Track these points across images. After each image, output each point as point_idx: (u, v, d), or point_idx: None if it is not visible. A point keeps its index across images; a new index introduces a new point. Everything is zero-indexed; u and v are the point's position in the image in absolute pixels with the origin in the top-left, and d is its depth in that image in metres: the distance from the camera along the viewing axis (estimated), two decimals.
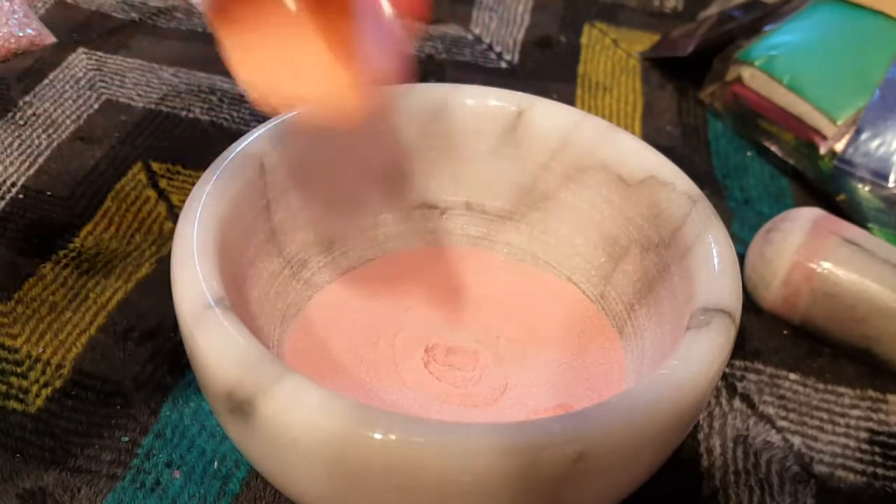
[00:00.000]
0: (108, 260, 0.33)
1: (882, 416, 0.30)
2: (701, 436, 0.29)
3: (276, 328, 0.27)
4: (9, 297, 0.31)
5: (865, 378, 0.31)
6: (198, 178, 0.25)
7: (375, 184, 0.30)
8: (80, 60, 0.44)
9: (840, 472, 0.28)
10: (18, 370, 0.29)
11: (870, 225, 0.36)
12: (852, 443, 0.29)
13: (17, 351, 0.30)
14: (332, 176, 0.29)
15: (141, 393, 0.29)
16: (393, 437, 0.18)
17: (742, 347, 0.32)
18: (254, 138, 0.26)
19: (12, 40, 0.44)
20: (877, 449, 0.29)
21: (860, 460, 0.29)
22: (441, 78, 0.45)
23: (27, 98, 0.41)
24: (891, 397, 0.31)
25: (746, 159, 0.41)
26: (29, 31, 0.44)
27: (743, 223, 0.37)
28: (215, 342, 0.20)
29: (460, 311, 0.30)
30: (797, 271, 0.31)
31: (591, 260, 0.30)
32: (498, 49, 0.48)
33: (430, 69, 0.46)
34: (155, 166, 0.38)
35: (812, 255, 0.31)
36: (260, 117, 0.41)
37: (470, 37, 0.49)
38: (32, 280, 0.32)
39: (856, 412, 0.30)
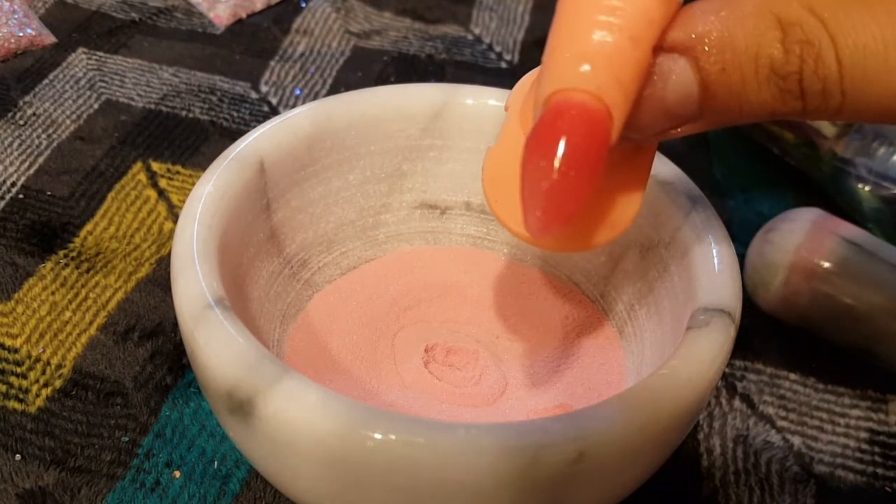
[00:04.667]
0: (108, 260, 0.33)
1: (882, 416, 0.30)
2: (701, 436, 0.29)
3: (276, 328, 0.27)
4: (9, 297, 0.31)
5: (865, 378, 0.31)
6: (198, 178, 0.25)
7: (375, 184, 0.30)
8: (80, 60, 0.44)
9: (840, 472, 0.28)
10: (18, 370, 0.29)
11: (870, 225, 0.36)
12: (852, 443, 0.29)
13: (17, 351, 0.30)
14: (331, 176, 0.29)
15: (141, 393, 0.29)
16: (393, 437, 0.18)
17: (742, 347, 0.32)
18: (254, 138, 0.26)
19: (12, 40, 0.44)
20: (877, 449, 0.29)
21: (860, 460, 0.29)
22: (441, 78, 0.45)
23: (27, 98, 0.41)
24: (891, 397, 0.31)
25: (746, 159, 0.41)
26: (29, 31, 0.44)
27: (743, 223, 0.37)
28: (215, 342, 0.20)
29: (460, 311, 0.30)
30: (797, 271, 0.31)
31: (591, 260, 0.30)
32: (498, 49, 0.48)
33: (430, 69, 0.46)
34: (155, 166, 0.38)
35: (812, 255, 0.31)
36: (260, 117, 0.41)
37: (470, 37, 0.49)
38: (32, 280, 0.32)
39: (856, 412, 0.30)
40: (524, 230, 0.18)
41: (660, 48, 0.17)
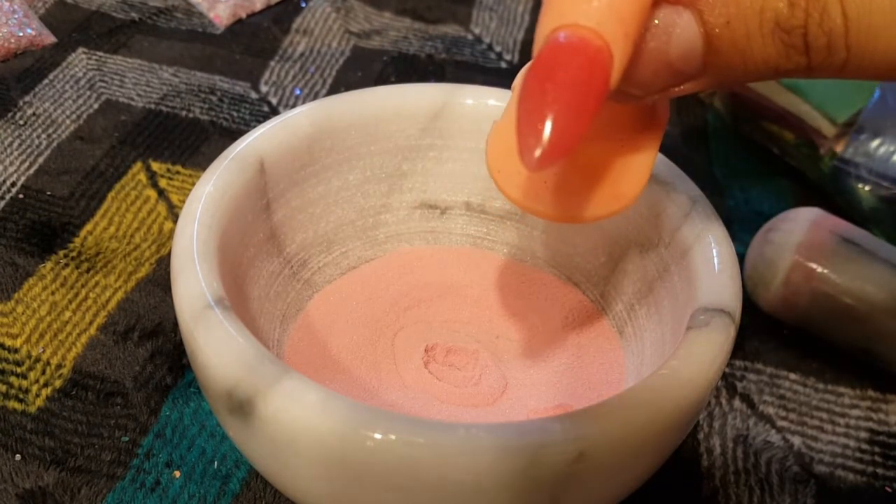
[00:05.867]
0: (108, 260, 0.33)
1: (882, 416, 0.30)
2: (701, 436, 0.29)
3: (276, 328, 0.27)
4: (9, 297, 0.31)
5: (865, 378, 0.31)
6: (198, 178, 0.25)
7: (375, 184, 0.30)
8: (80, 60, 0.44)
9: (840, 472, 0.28)
10: (18, 370, 0.29)
11: (870, 225, 0.36)
12: (852, 443, 0.29)
13: (17, 351, 0.30)
14: (331, 176, 0.29)
15: (141, 393, 0.29)
16: (393, 437, 0.18)
17: (742, 347, 0.32)
18: (254, 138, 0.27)
19: (12, 40, 0.44)
20: (877, 449, 0.29)
21: (860, 460, 0.29)
22: (441, 78, 0.45)
23: (27, 98, 0.41)
24: (891, 397, 0.31)
25: (746, 159, 0.41)
26: (29, 31, 0.44)
27: (743, 223, 0.37)
28: (215, 342, 0.20)
29: (460, 311, 0.30)
30: (797, 271, 0.31)
31: (591, 260, 0.30)
32: (498, 49, 0.48)
33: (430, 69, 0.46)
34: (155, 166, 0.38)
35: (812, 255, 0.31)
36: (260, 117, 0.41)
37: (470, 37, 0.49)
38: (32, 280, 0.32)
39: (856, 412, 0.30)
40: (523, 197, 0.18)
41: None
